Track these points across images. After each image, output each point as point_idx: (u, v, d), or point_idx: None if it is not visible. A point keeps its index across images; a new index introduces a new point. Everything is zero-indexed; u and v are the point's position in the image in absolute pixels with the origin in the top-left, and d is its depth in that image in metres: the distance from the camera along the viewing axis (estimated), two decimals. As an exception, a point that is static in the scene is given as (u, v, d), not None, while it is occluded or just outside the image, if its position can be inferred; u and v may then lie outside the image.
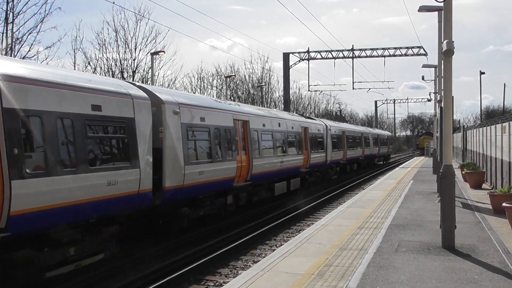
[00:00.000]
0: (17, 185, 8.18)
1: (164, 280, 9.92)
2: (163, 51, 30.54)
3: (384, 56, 47.24)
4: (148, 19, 42.43)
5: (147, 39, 36.29)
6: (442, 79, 12.19)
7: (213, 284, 10.33)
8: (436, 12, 19.05)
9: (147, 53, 35.22)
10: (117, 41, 35.14)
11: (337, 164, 34.76)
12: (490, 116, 72.92)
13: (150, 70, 33.52)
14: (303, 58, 47.96)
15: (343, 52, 46.93)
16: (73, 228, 9.89)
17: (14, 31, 24.90)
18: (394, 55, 47.05)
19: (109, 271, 10.83)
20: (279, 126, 22.48)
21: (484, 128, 22.45)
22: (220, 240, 13.92)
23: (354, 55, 47.02)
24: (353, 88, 52.30)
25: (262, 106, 46.37)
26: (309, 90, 53.63)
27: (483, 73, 51.64)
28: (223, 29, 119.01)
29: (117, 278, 10.53)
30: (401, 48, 46.80)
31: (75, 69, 30.40)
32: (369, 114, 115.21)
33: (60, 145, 9.38)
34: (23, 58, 24.30)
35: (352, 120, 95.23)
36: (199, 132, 14.94)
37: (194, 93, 46.75)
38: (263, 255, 12.58)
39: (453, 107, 11.32)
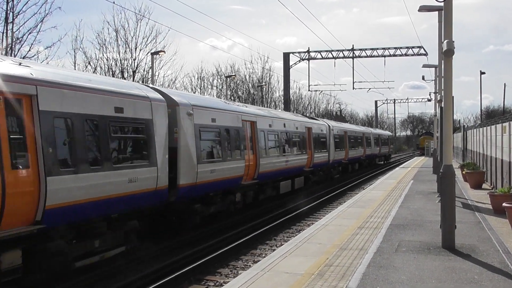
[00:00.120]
0: (51, 181, 8.92)
1: (164, 280, 9.92)
2: (163, 51, 30.53)
3: (385, 56, 47.26)
4: (149, 19, 42.34)
5: (147, 39, 36.26)
6: (443, 79, 12.18)
7: (213, 284, 10.33)
8: (437, 12, 19.05)
9: (147, 53, 35.24)
10: (117, 41, 35.18)
11: (339, 164, 35.29)
12: (490, 116, 72.93)
13: (150, 70, 33.59)
14: (303, 58, 47.96)
15: (343, 52, 46.93)
16: (98, 222, 10.62)
17: (14, 31, 24.91)
18: (394, 55, 47.05)
19: (109, 271, 10.84)
20: (284, 126, 23.15)
21: (484, 128, 22.45)
22: (220, 240, 13.92)
23: (354, 55, 47.02)
24: (353, 88, 52.34)
25: (262, 106, 46.42)
26: (309, 90, 53.72)
27: (483, 73, 51.71)
28: (223, 29, 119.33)
29: (117, 278, 10.53)
30: (401, 48, 46.83)
31: (75, 69, 30.40)
32: (369, 114, 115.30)
33: (87, 144, 10.18)
34: (23, 58, 24.29)
35: (352, 120, 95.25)
36: (210, 132, 15.71)
37: (194, 93, 46.80)
38: (263, 255, 12.58)
39: (453, 107, 11.33)
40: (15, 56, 23.91)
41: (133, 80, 33.74)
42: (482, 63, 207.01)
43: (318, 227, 12.24)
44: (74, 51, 38.31)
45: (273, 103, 57.70)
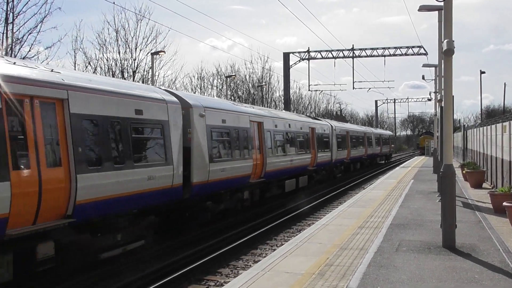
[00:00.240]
0: (81, 179, 9.69)
1: (164, 280, 9.92)
2: (164, 51, 30.55)
3: (385, 56, 47.30)
4: (149, 19, 42.35)
5: (147, 39, 36.31)
6: (443, 78, 12.18)
7: (213, 284, 10.33)
8: (437, 12, 19.04)
9: (148, 53, 35.25)
10: (117, 41, 35.17)
11: (341, 163, 35.91)
12: (491, 116, 72.92)
13: (150, 70, 33.58)
14: (303, 57, 47.98)
15: (343, 51, 46.95)
16: (120, 217, 11.28)
17: (14, 31, 24.91)
18: (394, 55, 47.09)
19: (109, 271, 10.84)
20: (289, 127, 23.84)
21: (485, 127, 22.45)
22: (221, 240, 13.93)
23: (354, 55, 47.04)
24: (354, 88, 52.45)
25: (262, 106, 46.42)
26: (309, 90, 53.74)
27: (484, 72, 51.50)
28: (223, 29, 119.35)
29: (117, 278, 10.53)
30: (401, 47, 46.85)
31: (75, 69, 30.40)
32: (369, 113, 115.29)
33: (111, 144, 10.93)
34: (23, 58, 24.29)
35: (352, 120, 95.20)
36: (221, 133, 16.44)
37: (194, 92, 46.83)
38: (263, 254, 12.58)
39: (453, 107, 11.33)
40: (15, 56, 23.92)
41: (133, 80, 33.76)
42: (482, 63, 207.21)
43: (319, 226, 12.24)
44: (74, 52, 38.42)
45: (273, 103, 57.70)
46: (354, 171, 40.84)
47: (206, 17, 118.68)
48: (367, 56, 47.19)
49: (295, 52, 48.72)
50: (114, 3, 41.15)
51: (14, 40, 24.88)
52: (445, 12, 9.72)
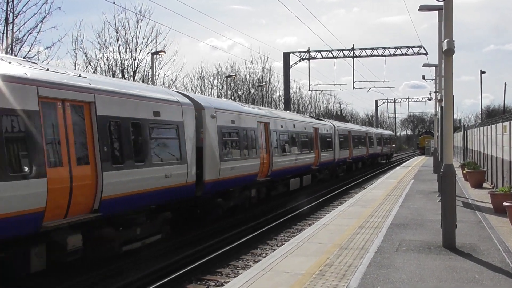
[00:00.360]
0: (106, 176, 10.39)
1: (164, 280, 9.92)
2: (164, 51, 30.55)
3: (385, 56, 47.30)
4: (149, 19, 42.33)
5: (147, 39, 36.32)
6: (443, 78, 12.17)
7: (214, 283, 10.33)
8: (437, 12, 19.07)
9: (148, 53, 35.24)
10: (118, 41, 35.17)
11: (344, 163, 36.66)
12: (491, 116, 72.84)
13: (150, 70, 33.58)
14: (304, 57, 47.96)
15: (344, 51, 46.94)
16: (139, 212, 11.94)
17: (14, 31, 24.91)
18: (394, 55, 47.09)
19: (109, 271, 10.84)
20: (294, 127, 24.62)
21: (485, 127, 22.44)
22: (221, 240, 13.93)
23: (354, 55, 47.03)
24: (354, 88, 52.40)
25: (262, 106, 46.43)
26: (309, 90, 53.71)
27: (484, 72, 51.36)
28: (224, 29, 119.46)
29: (117, 278, 10.53)
30: (401, 47, 46.83)
31: (75, 69, 30.39)
32: (370, 113, 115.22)
33: (132, 143, 11.61)
34: (24, 58, 24.29)
35: (352, 120, 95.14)
36: (230, 133, 17.22)
37: (194, 92, 46.84)
38: (264, 254, 12.58)
39: (453, 107, 11.31)
40: (15, 56, 23.92)
41: (133, 80, 33.77)
42: (483, 63, 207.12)
43: (319, 226, 12.23)
44: (75, 51, 38.51)
45: (274, 103, 57.69)
46: (356, 170, 41.47)
47: (206, 17, 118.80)
48: (367, 56, 47.20)
49: (295, 52, 48.74)
50: (114, 3, 41.22)
51: (14, 40, 24.90)
52: (445, 12, 9.71)
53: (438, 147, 21.91)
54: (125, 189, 11.05)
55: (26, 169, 8.57)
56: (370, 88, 57.88)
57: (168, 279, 10.01)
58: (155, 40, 36.57)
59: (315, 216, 19.02)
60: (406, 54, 46.68)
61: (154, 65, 30.42)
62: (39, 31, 25.73)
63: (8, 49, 24.12)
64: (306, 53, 47.87)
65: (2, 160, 8.16)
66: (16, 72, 8.86)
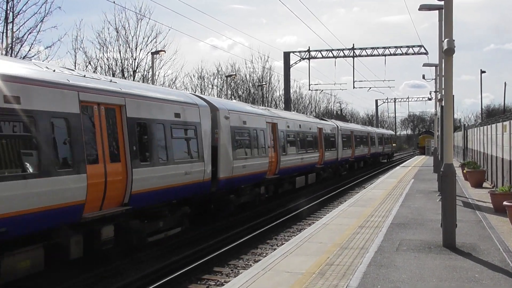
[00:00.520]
0: (136, 172, 11.34)
1: (164, 280, 9.92)
2: (164, 51, 30.54)
3: (385, 55, 47.21)
4: (149, 18, 42.26)
5: (147, 39, 36.30)
6: (443, 78, 12.15)
7: (214, 283, 10.32)
8: (437, 11, 19.05)
9: (148, 53, 35.23)
10: (118, 40, 35.16)
11: (346, 162, 37.58)
12: (491, 115, 72.86)
13: (150, 70, 33.58)
14: (304, 57, 47.91)
15: (344, 51, 46.90)
16: (162, 206, 12.94)
17: (14, 30, 24.90)
18: (394, 54, 47.01)
19: (109, 271, 10.84)
20: (300, 127, 25.65)
21: (485, 127, 22.44)
22: (221, 240, 13.93)
23: (354, 54, 46.98)
24: (354, 87, 52.25)
25: (262, 105, 46.45)
26: (309, 89, 53.65)
27: (484, 72, 51.33)
28: (224, 28, 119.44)
29: (117, 278, 10.53)
30: (401, 47, 46.73)
31: (75, 69, 30.38)
32: (370, 113, 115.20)
33: (157, 143, 12.55)
34: (24, 57, 24.30)
35: (352, 119, 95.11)
36: (242, 133, 18.14)
37: (195, 92, 46.81)
38: (264, 254, 12.58)
39: (453, 106, 11.31)
40: (15, 56, 23.92)
41: (133, 80, 33.76)
42: (483, 62, 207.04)
43: (319, 226, 12.23)
44: (75, 51, 38.37)
45: (274, 103, 57.65)
46: (358, 169, 42.35)
47: (207, 16, 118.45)
48: (367, 55, 47.16)
49: (295, 52, 48.67)
50: (114, 2, 41.07)
51: (14, 39, 24.90)
52: (445, 12, 9.71)
53: (438, 146, 21.91)
54: (151, 185, 11.96)
55: (71, 165, 9.57)
56: (370, 88, 57.89)
57: (168, 278, 10.01)
58: (155, 40, 36.60)
59: (315, 215, 19.02)
60: (406, 54, 46.62)
61: (154, 64, 30.44)
62: (39, 30, 25.75)
63: (8, 48, 24.11)
64: (306, 53, 47.83)
65: (51, 157, 9.17)
66: (61, 79, 9.83)
